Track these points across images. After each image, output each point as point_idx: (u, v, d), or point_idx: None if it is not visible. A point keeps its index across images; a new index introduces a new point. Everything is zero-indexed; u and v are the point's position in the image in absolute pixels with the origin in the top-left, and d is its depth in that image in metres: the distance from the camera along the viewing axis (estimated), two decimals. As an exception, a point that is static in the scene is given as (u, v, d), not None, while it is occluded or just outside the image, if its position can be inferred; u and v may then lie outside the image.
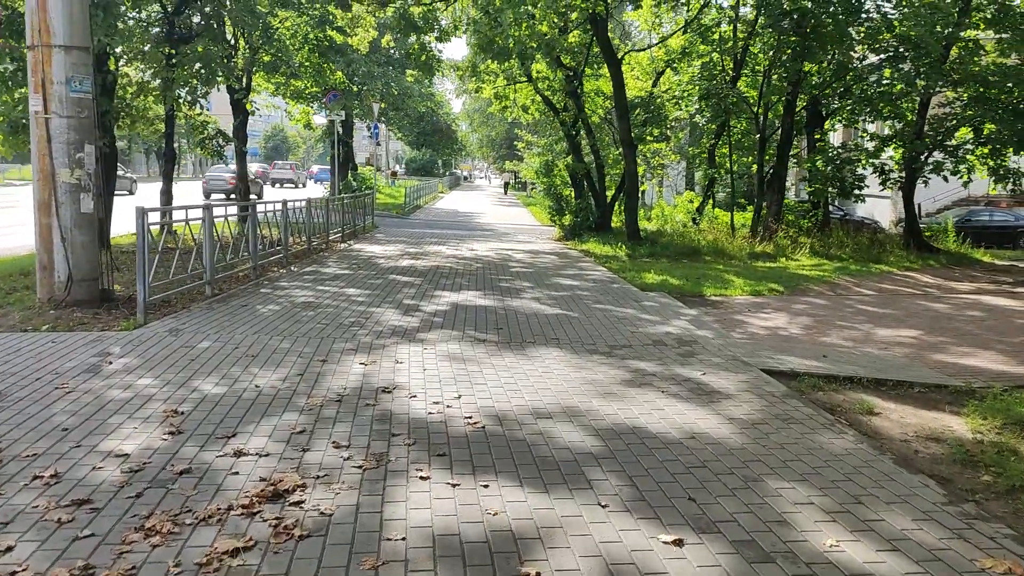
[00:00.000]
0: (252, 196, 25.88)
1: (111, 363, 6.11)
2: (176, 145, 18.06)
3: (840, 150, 19.71)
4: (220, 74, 14.80)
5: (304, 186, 54.92)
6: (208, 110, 17.28)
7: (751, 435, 4.87)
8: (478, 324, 8.27)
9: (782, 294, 11.89)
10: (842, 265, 16.11)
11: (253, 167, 36.42)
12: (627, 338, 7.79)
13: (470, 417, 5.01)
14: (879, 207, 30.82)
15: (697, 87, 18.79)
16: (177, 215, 10.26)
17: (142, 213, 7.82)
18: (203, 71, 14.82)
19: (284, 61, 16.81)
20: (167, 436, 4.49)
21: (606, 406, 5.38)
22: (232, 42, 18.57)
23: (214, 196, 36.60)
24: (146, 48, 14.28)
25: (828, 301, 11.31)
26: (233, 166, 29.70)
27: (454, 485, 3.92)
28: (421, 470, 4.09)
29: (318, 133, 37.10)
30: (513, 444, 4.54)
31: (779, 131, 19.74)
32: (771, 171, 20.09)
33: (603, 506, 3.73)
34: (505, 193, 66.08)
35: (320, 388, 5.61)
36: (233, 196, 34.85)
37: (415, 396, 5.47)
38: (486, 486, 3.92)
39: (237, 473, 3.99)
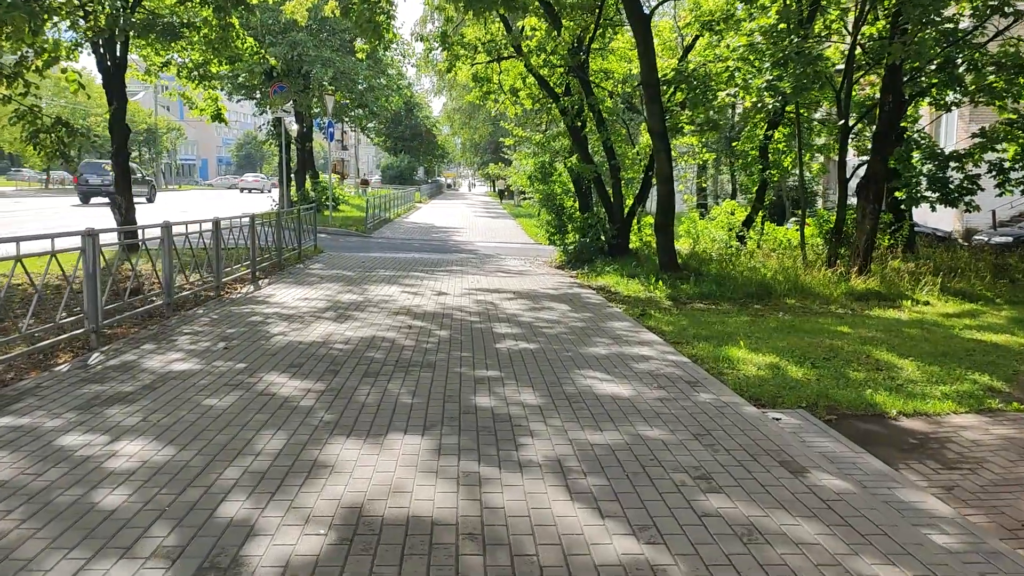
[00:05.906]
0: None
1: None
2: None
3: (982, 139, 14.05)
4: (36, 33, 9.00)
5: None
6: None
7: None
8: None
9: (1012, 398, 6.22)
10: (1012, 315, 10.45)
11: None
12: None
13: None
14: (933, 213, 25.33)
15: (770, 50, 13.02)
16: None
17: None
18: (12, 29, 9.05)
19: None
20: None
21: None
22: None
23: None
24: None
25: None
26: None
27: None
28: None
29: (260, 135, 31.34)
30: None
31: (875, 113, 14.16)
32: (860, 169, 14.49)
33: None
34: (501, 200, 60.48)
35: None
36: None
37: None
38: None
39: None
